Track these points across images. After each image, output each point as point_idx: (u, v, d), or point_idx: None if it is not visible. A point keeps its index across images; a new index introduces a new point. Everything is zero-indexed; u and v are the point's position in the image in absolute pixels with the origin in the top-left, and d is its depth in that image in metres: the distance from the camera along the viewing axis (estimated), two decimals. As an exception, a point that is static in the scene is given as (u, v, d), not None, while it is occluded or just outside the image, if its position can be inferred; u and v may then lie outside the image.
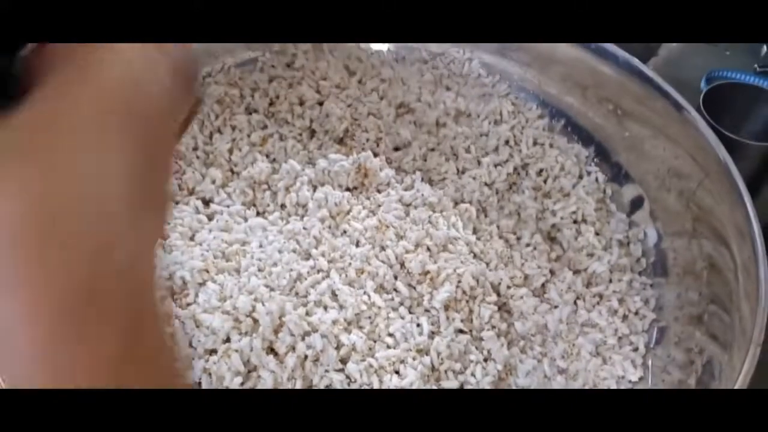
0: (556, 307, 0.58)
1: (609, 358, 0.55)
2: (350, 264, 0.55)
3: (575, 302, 0.58)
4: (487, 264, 0.59)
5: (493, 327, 0.55)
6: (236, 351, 0.49)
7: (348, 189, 0.63)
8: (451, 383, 0.51)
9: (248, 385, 0.49)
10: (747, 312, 0.48)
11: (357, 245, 0.57)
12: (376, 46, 0.74)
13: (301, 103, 0.68)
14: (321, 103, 0.69)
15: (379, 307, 0.53)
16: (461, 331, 0.54)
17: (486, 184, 0.64)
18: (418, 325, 0.53)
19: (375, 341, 0.52)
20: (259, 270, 0.55)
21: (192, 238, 0.57)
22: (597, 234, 0.61)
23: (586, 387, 0.54)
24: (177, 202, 0.61)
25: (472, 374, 0.52)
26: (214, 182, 0.62)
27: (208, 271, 0.54)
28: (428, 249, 0.57)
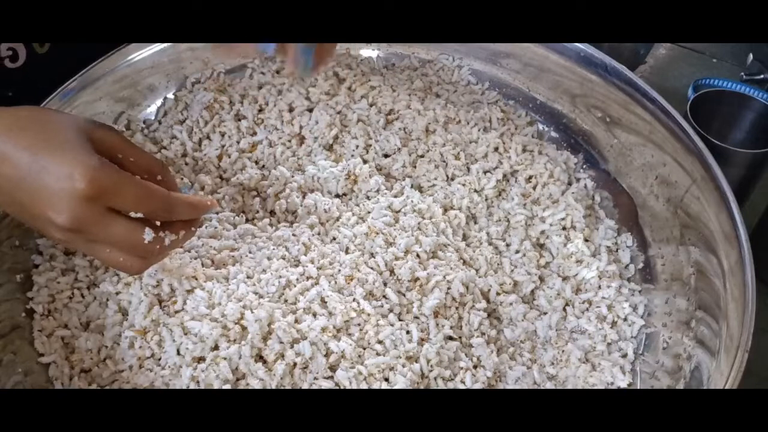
0: (545, 313, 0.58)
1: (598, 365, 0.55)
2: (339, 271, 0.55)
3: (564, 309, 0.58)
4: (477, 270, 0.59)
5: (483, 334, 0.55)
6: (225, 359, 0.49)
7: (337, 196, 0.63)
8: (440, 390, 0.51)
9: (237, 393, 0.49)
10: (734, 318, 0.48)
11: (346, 252, 0.57)
12: (365, 53, 0.74)
13: (291, 110, 0.68)
14: (310, 110, 0.68)
15: (369, 314, 0.53)
16: (451, 338, 0.54)
17: (475, 190, 0.64)
18: (408, 332, 0.53)
19: (364, 348, 0.52)
20: (248, 277, 0.54)
21: (180, 245, 0.57)
22: (586, 241, 0.61)
23: (576, 393, 0.54)
24: (165, 209, 0.61)
25: (462, 381, 0.52)
26: (202, 189, 0.62)
27: (196, 278, 0.54)
28: (417, 256, 0.57)
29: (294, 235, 0.58)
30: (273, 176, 0.62)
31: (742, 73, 0.88)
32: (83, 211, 0.42)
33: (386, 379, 0.50)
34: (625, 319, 0.58)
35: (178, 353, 0.50)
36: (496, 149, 0.67)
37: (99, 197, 0.42)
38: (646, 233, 0.62)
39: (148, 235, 0.45)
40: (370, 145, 0.67)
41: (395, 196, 0.63)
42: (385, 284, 0.55)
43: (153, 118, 0.68)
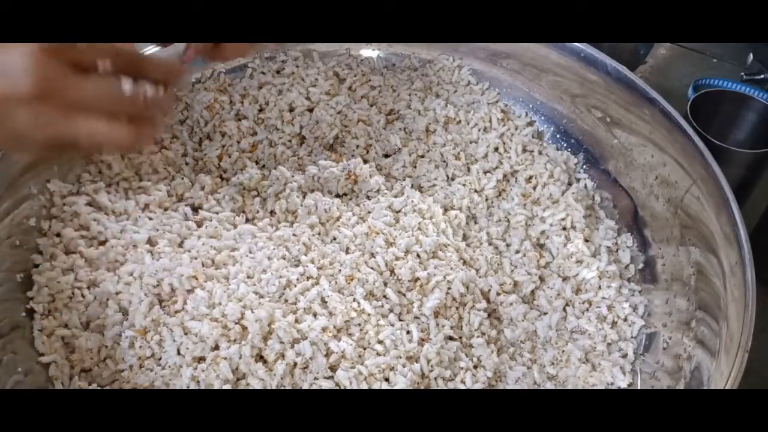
0: (545, 313, 0.58)
1: (598, 365, 0.55)
2: (340, 271, 0.55)
3: (564, 309, 0.58)
4: (477, 271, 0.59)
5: (483, 334, 0.55)
6: (225, 359, 0.49)
7: (338, 195, 0.63)
8: (440, 390, 0.51)
9: (237, 393, 0.49)
10: (735, 318, 0.48)
11: (347, 252, 0.57)
12: (366, 53, 0.74)
13: (291, 110, 0.68)
14: (311, 110, 0.69)
15: (369, 314, 0.53)
16: (451, 338, 0.54)
17: (475, 190, 0.64)
18: (408, 332, 0.53)
19: (364, 348, 0.52)
20: (249, 277, 0.54)
21: (181, 245, 0.57)
22: (586, 241, 0.62)
23: (576, 393, 0.54)
24: (166, 209, 0.61)
25: (462, 381, 0.52)
26: (203, 189, 0.62)
27: (196, 278, 0.54)
28: (418, 256, 0.57)
29: (294, 235, 0.58)
30: (273, 176, 0.62)
31: (742, 73, 0.88)
32: (45, 68, 0.38)
33: (386, 379, 0.50)
34: (625, 320, 0.58)
35: (179, 353, 0.50)
36: (496, 149, 0.67)
37: (56, 51, 0.38)
38: (646, 233, 0.62)
39: (126, 84, 0.40)
40: (371, 145, 0.67)
41: (395, 196, 0.63)
42: (385, 284, 0.55)
43: (153, 118, 0.67)
